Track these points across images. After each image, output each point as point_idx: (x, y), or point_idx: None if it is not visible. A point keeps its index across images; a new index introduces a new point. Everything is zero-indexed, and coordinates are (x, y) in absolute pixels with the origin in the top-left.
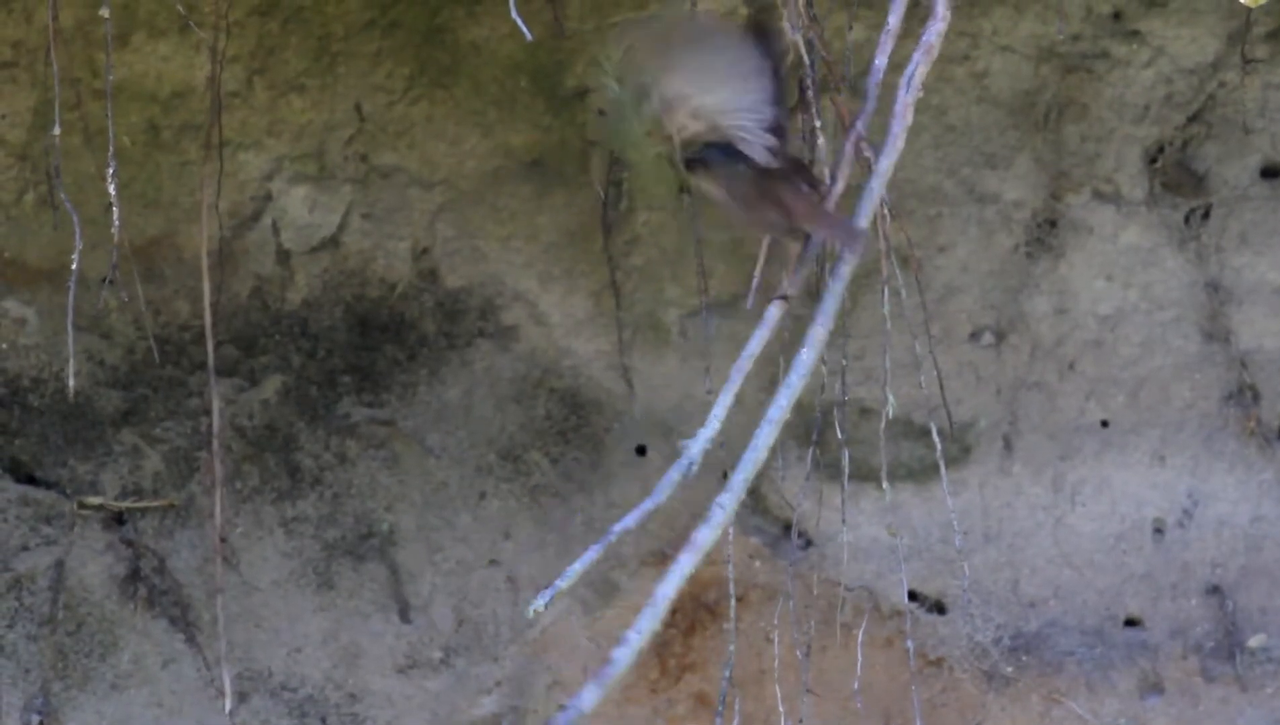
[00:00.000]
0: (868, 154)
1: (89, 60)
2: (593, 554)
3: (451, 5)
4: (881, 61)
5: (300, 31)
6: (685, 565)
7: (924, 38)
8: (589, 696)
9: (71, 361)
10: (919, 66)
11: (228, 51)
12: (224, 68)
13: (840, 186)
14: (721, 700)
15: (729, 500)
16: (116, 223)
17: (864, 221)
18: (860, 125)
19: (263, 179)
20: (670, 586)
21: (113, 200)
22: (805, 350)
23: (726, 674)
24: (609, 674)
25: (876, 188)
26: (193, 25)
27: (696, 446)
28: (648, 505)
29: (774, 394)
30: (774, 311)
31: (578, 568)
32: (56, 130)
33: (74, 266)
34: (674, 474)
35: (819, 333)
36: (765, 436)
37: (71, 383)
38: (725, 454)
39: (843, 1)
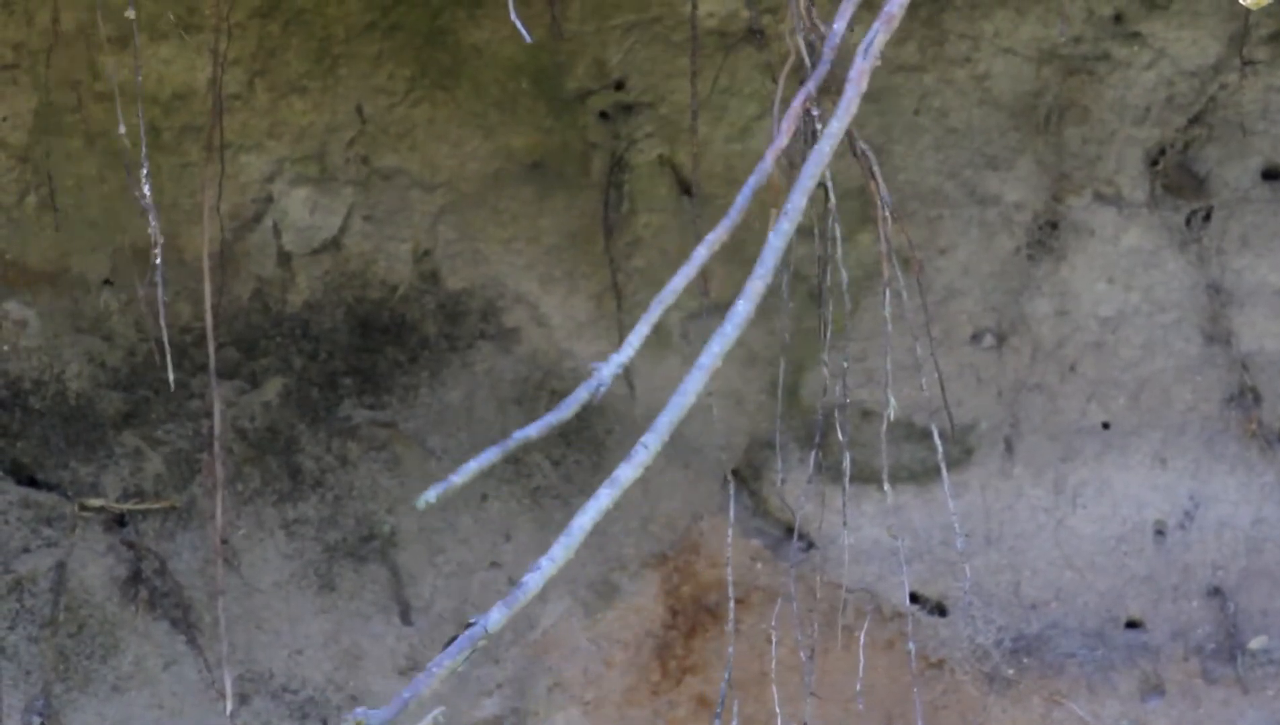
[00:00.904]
0: (814, 112)
1: (90, 62)
2: (491, 456)
3: (452, 7)
4: (840, 25)
5: (301, 33)
6: (604, 498)
7: (886, 7)
8: (495, 616)
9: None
10: (878, 35)
11: (229, 53)
12: (225, 70)
13: (784, 141)
14: (720, 703)
15: (653, 440)
16: (152, 224)
17: (809, 184)
18: (811, 85)
19: (264, 181)
20: (587, 518)
21: (148, 209)
22: (741, 301)
23: (726, 677)
24: (517, 597)
25: (826, 150)
26: (191, 29)
27: (608, 369)
28: (551, 418)
29: (773, 393)
30: (701, 251)
31: (473, 466)
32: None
33: (156, 262)
34: (581, 393)
35: (756, 286)
36: (694, 382)
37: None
38: (725, 456)
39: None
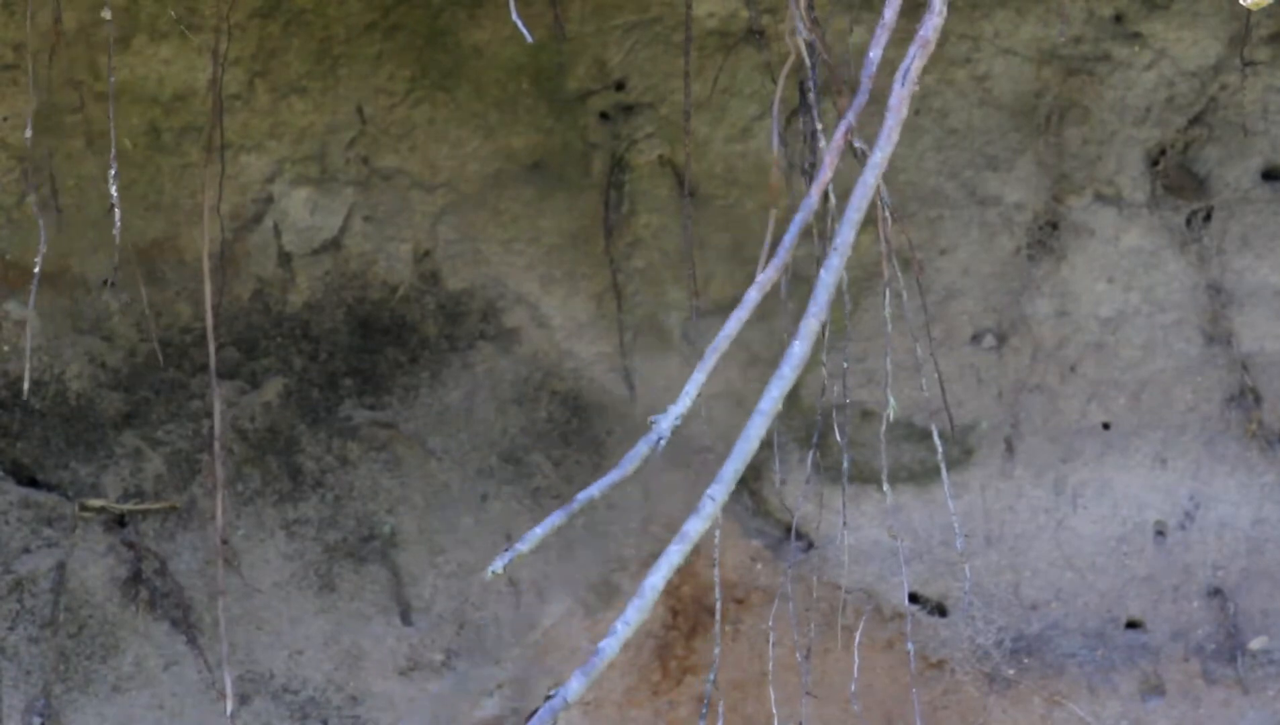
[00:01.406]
0: (858, 145)
1: (90, 63)
2: (555, 520)
3: (453, 8)
4: (875, 54)
5: (302, 34)
6: (674, 555)
7: (920, 32)
8: (575, 685)
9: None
10: (915, 60)
11: (229, 54)
12: (225, 70)
13: (828, 175)
14: (706, 703)
15: (719, 492)
16: (118, 225)
17: (856, 217)
18: (851, 115)
19: (264, 181)
20: (659, 577)
21: (114, 202)
22: (797, 342)
23: (711, 677)
24: (595, 664)
25: (871, 180)
26: (191, 29)
27: (666, 422)
28: (614, 476)
29: (786, 403)
30: (752, 294)
31: (539, 532)
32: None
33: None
34: (642, 447)
35: (811, 324)
36: (756, 427)
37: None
38: (727, 458)
39: (844, 5)
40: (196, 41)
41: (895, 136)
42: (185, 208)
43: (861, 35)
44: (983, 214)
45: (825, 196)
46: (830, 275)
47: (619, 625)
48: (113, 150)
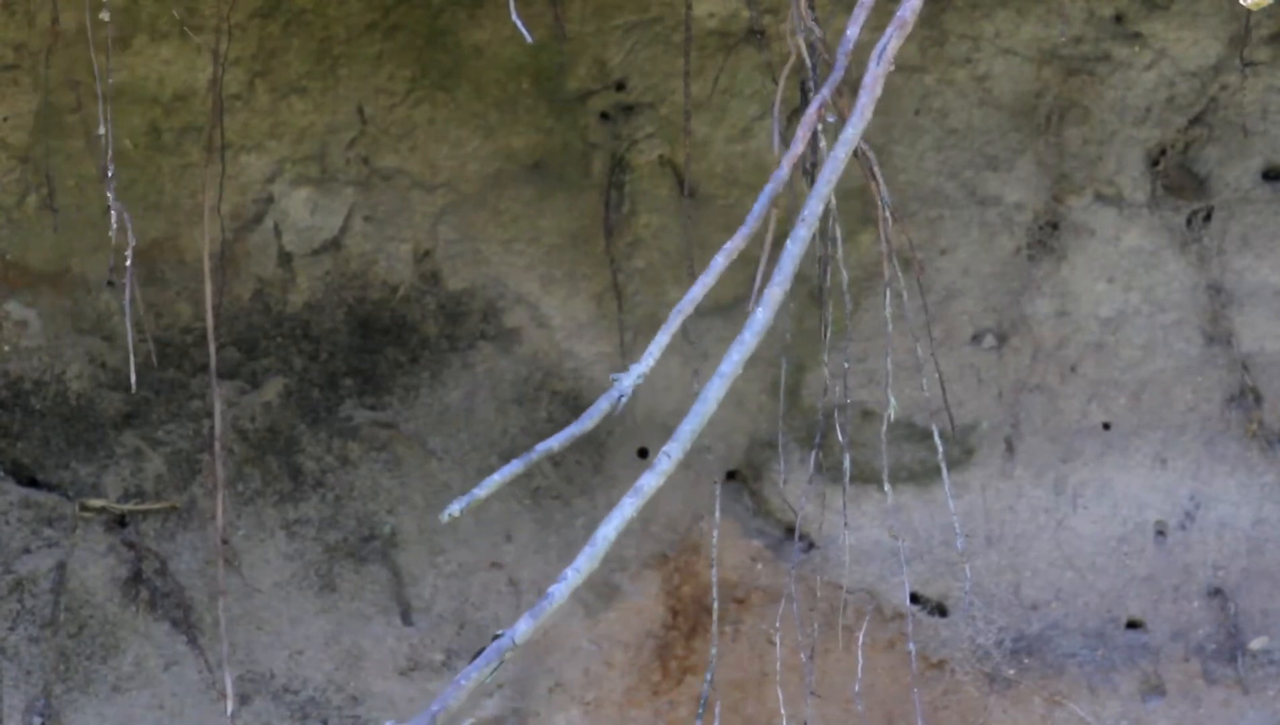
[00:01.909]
0: (830, 119)
1: (90, 63)
2: (515, 468)
3: (453, 8)
4: (853, 32)
5: (302, 34)
6: (627, 508)
7: (899, 13)
8: (523, 627)
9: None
10: (891, 40)
11: (229, 54)
12: (225, 70)
13: (800, 149)
14: (702, 703)
15: (675, 449)
16: (114, 226)
17: (825, 190)
18: (826, 90)
19: (264, 181)
20: (611, 528)
21: (110, 203)
22: (760, 309)
23: (708, 677)
24: (543, 607)
25: (841, 155)
26: (191, 29)
27: (628, 380)
28: (573, 429)
29: (773, 394)
30: (720, 260)
31: (497, 479)
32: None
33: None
34: (603, 403)
35: (775, 292)
36: (715, 389)
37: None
38: (727, 456)
39: (845, 4)
40: (197, 41)
41: (868, 114)
42: (185, 208)
43: (861, 35)
44: (983, 214)
45: (811, 185)
46: (796, 246)
47: (569, 572)
48: (108, 150)
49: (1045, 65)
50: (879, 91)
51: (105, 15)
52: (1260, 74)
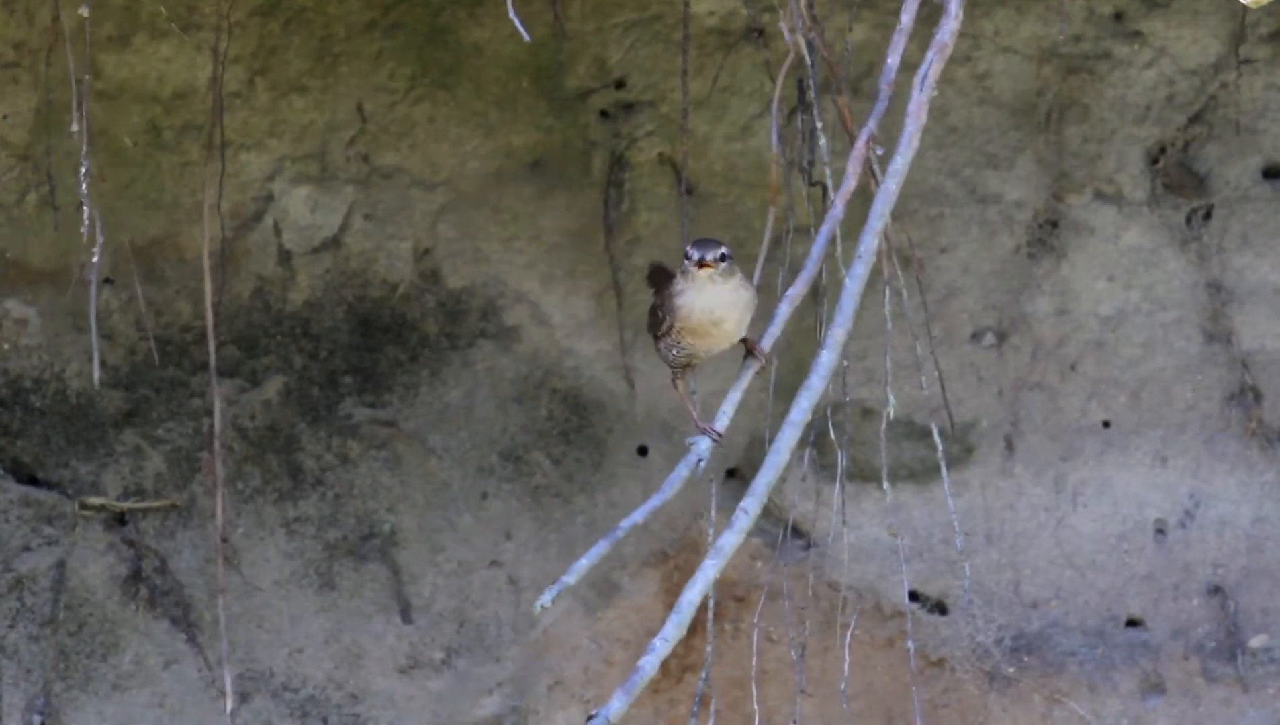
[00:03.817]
0: (879, 151)
1: (91, 62)
2: (600, 549)
3: (453, 6)
4: (894, 60)
5: (302, 32)
6: (710, 570)
7: (937, 36)
8: (617, 705)
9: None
10: (933, 65)
11: (229, 52)
12: (225, 68)
13: (853, 183)
14: (697, 700)
15: (753, 505)
16: (99, 224)
17: (879, 224)
18: (872, 123)
19: (264, 179)
20: (695, 592)
21: (84, 201)
22: (825, 352)
23: (704, 675)
24: (635, 682)
25: (892, 187)
26: (191, 27)
27: (704, 443)
28: (655, 502)
29: (773, 393)
30: (784, 308)
31: (584, 563)
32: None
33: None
34: (682, 471)
35: (838, 334)
36: (787, 439)
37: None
38: (726, 454)
39: (844, 3)
40: (197, 40)
41: (915, 142)
42: (185, 206)
43: (861, 33)
44: (983, 212)
45: (824, 194)
46: (855, 283)
47: (657, 643)
48: (84, 147)
49: (1045, 64)
50: (924, 118)
51: (84, 10)
52: (1259, 72)
